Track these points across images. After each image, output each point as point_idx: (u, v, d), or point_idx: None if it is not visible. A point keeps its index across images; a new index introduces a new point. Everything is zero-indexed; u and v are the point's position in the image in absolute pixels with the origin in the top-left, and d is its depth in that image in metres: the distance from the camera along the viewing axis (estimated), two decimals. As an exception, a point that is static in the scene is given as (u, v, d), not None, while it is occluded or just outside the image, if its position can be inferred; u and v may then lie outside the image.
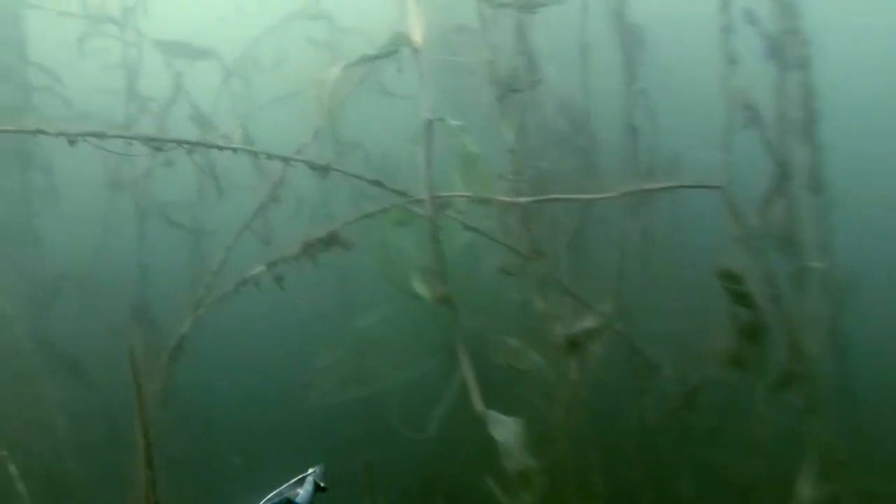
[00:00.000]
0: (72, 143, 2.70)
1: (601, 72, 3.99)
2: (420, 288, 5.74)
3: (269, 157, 3.08)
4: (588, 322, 2.74)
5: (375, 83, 5.48)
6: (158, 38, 5.34)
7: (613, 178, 4.18)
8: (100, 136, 2.79)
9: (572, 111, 4.02)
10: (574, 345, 2.76)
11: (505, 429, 2.71)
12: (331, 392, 5.88)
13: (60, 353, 5.16)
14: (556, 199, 2.62)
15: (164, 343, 5.50)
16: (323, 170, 3.05)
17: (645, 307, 4.06)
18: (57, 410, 4.97)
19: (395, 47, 2.68)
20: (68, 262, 5.35)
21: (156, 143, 2.80)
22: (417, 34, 2.71)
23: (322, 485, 2.14)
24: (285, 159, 3.10)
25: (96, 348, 5.28)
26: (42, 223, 5.32)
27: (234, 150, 3.02)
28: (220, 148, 2.99)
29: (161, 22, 5.42)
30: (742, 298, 2.72)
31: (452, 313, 2.57)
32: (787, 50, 3.55)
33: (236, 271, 3.45)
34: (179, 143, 2.93)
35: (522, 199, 2.74)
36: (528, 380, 4.41)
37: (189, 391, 5.64)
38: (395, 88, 5.59)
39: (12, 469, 4.63)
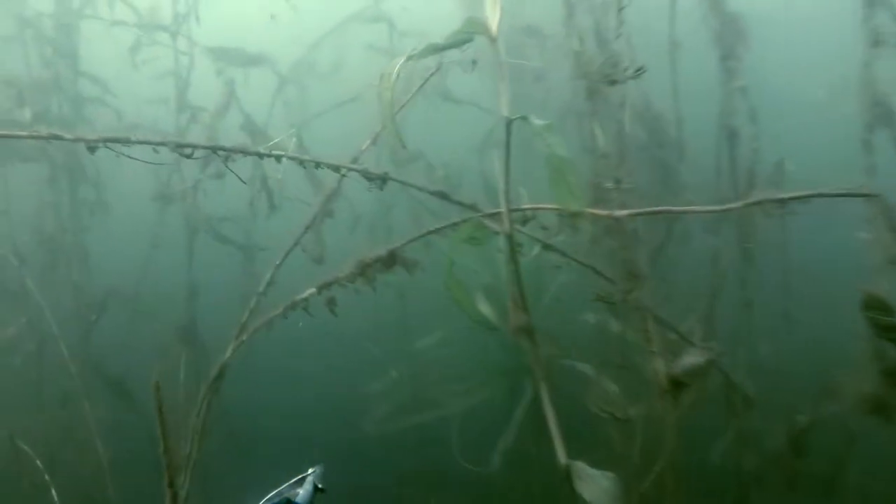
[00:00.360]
0: (92, 150, 2.38)
1: (694, 69, 3.52)
2: (491, 314, 5.31)
3: (318, 165, 2.72)
4: (693, 357, 2.27)
5: (438, 87, 5.13)
6: (210, 44, 5.09)
7: (706, 188, 3.69)
8: (122, 141, 2.46)
9: (658, 114, 3.55)
10: (678, 386, 2.29)
11: (595, 486, 2.25)
12: (385, 420, 5.49)
13: (105, 374, 4.90)
14: (668, 212, 2.16)
15: (212, 366, 5.26)
16: (380, 180, 2.66)
17: (745, 337, 3.54)
18: (100, 433, 4.70)
19: (468, 34, 2.27)
20: (116, 278, 5.12)
21: (185, 149, 2.46)
22: (494, 22, 2.30)
23: (320, 486, 2.16)
24: (336, 168, 2.73)
25: (142, 369, 5.01)
26: (90, 238, 5.10)
27: (275, 156, 2.66)
28: (261, 155, 2.65)
29: (213, 28, 5.19)
30: (891, 332, 2.21)
31: (534, 347, 2.12)
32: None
33: (285, 293, 3.07)
34: (213, 149, 2.59)
35: (622, 213, 2.29)
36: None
37: (234, 418, 5.36)
38: (459, 93, 5.24)
39: (53, 494, 4.40)
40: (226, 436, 5.36)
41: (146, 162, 2.75)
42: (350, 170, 2.78)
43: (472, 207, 2.83)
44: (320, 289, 2.72)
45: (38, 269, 4.99)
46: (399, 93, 5.45)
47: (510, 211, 2.21)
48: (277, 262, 3.17)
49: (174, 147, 2.47)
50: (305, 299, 2.81)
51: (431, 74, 3.08)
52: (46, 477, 4.57)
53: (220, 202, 5.04)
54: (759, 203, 2.06)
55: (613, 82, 2.40)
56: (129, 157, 2.86)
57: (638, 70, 2.31)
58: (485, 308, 5.14)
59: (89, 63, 5.15)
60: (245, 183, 3.85)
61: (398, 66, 2.22)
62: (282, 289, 3.28)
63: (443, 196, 2.70)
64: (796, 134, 4.14)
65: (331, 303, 2.75)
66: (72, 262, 4.97)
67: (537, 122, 2.10)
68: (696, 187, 3.76)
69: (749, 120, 3.41)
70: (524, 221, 2.44)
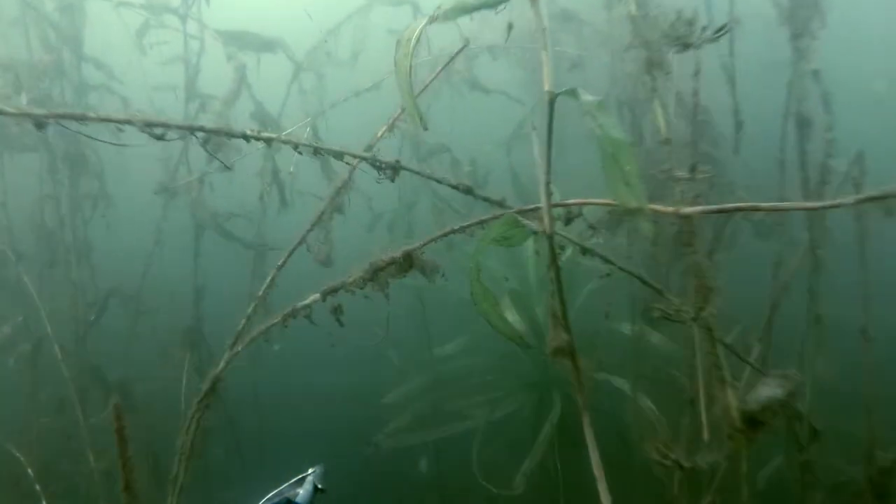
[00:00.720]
0: (39, 126, 2.04)
1: (757, 48, 3.07)
2: (523, 327, 4.90)
3: (317, 150, 2.36)
4: (770, 389, 1.84)
5: (465, 75, 4.74)
6: (222, 28, 4.74)
7: (765, 184, 3.25)
8: (78, 118, 2.12)
9: (711, 100, 3.11)
10: (753, 424, 1.86)
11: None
12: (401, 433, 5.10)
13: (104, 378, 4.57)
14: (753, 209, 1.73)
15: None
16: (391, 169, 2.29)
17: (812, 358, 3.09)
18: (96, 441, 4.38)
19: (505, -11, 1.88)
20: (117, 276, 4.79)
21: (155, 129, 2.10)
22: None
23: (320, 486, 2.09)
24: (338, 154, 2.35)
25: (143, 373, 4.68)
26: (92, 233, 4.78)
27: (261, 139, 2.29)
28: (246, 138, 2.28)
29: (225, 11, 4.83)
30: None
31: (576, 373, 1.71)
32: None
33: (289, 297, 2.69)
34: (190, 129, 2.23)
35: (693, 210, 1.87)
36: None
37: (236, 427, 5.01)
38: (487, 81, 4.84)
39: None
40: (231, 446, 5.03)
41: (134, 145, 2.40)
42: (355, 157, 2.39)
43: (500, 204, 2.43)
44: (325, 294, 2.33)
45: (37, 266, 4.67)
46: (422, 78, 5.09)
47: (551, 206, 1.80)
48: (279, 263, 2.79)
49: (142, 126, 2.11)
50: (308, 306, 2.43)
51: (459, 51, 2.68)
52: (37, 486, 4.27)
53: (228, 197, 4.70)
54: (880, 198, 1.62)
55: (687, 46, 1.99)
56: (117, 144, 2.54)
57: (720, 30, 1.90)
58: (515, 320, 4.74)
59: (94, 47, 4.84)
60: (229, 168, 3.50)
61: (419, 29, 1.82)
62: (290, 293, 2.89)
63: (467, 191, 2.31)
64: (861, 125, 3.67)
65: (337, 311, 2.36)
66: (71, 258, 4.65)
67: (587, 97, 1.68)
68: (752, 182, 3.31)
69: (822, 107, 2.96)
70: (568, 220, 2.04)
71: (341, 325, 2.45)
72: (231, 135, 2.25)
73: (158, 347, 4.65)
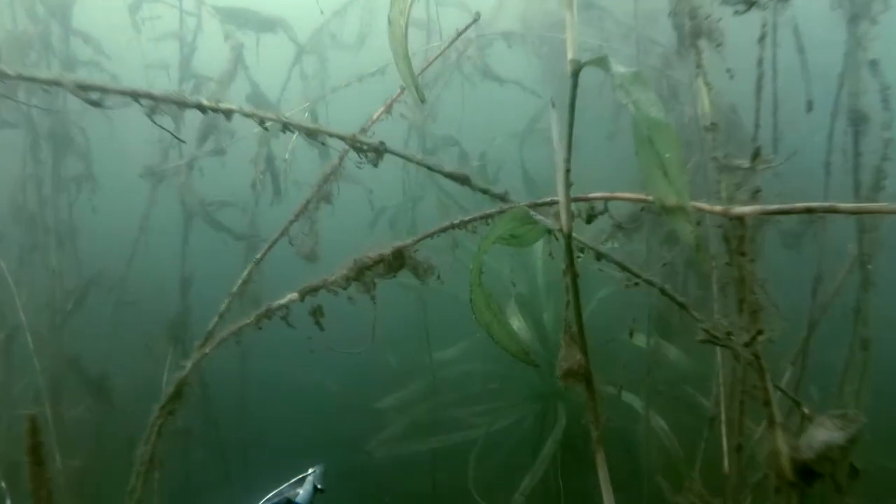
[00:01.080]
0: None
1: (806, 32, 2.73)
2: (529, 339, 4.56)
3: (286, 127, 2.05)
4: (828, 433, 1.51)
5: (477, 63, 4.42)
6: (220, 4, 4.43)
7: (806, 187, 2.89)
8: (86, 88, 1.85)
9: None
10: (808, 476, 1.53)
11: None
12: (395, 442, 4.78)
13: (82, 371, 4.27)
14: (831, 210, 1.40)
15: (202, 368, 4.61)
16: (374, 152, 1.99)
17: (855, 387, 2.74)
18: (67, 437, 4.09)
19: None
20: (100, 264, 4.49)
21: (89, 93, 1.81)
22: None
23: (320, 486, 2.09)
24: (311, 132, 2.07)
25: (124, 367, 4.39)
26: (75, 217, 4.48)
27: (219, 111, 1.98)
28: (202, 108, 1.99)
29: (224, -14, 4.53)
30: None
31: (592, 401, 1.39)
32: None
33: (270, 294, 2.39)
34: (134, 96, 1.93)
35: (749, 210, 1.54)
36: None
37: (220, 431, 4.72)
38: (501, 69, 4.52)
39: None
40: (215, 452, 4.73)
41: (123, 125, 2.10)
42: (331, 136, 2.10)
43: (503, 198, 2.11)
44: (303, 294, 2.02)
45: (15, 250, 4.38)
46: (434, 68, 4.77)
47: (570, 200, 1.48)
48: (258, 257, 2.49)
49: (73, 88, 1.81)
50: (285, 306, 2.12)
51: (469, 25, 2.36)
52: (2, 484, 3.98)
53: (219, 184, 4.39)
54: None
55: (750, 4, 1.66)
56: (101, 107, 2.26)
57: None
58: (521, 327, 4.42)
59: (83, 21, 4.53)
60: (180, 140, 3.18)
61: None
62: (266, 289, 2.59)
63: (463, 180, 2.01)
64: None
65: (316, 312, 2.05)
66: (52, 242, 4.35)
67: (619, 68, 1.36)
68: (790, 186, 2.96)
69: (880, 103, 2.61)
70: (590, 218, 1.72)
71: (321, 328, 2.14)
72: (184, 104, 1.95)
73: (141, 340, 4.35)
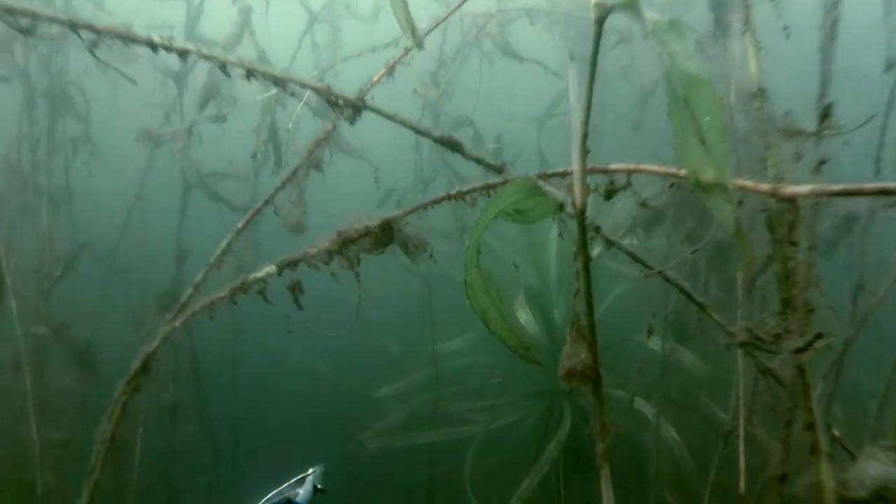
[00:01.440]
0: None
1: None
2: (533, 333, 4.31)
3: (250, 74, 1.84)
4: (881, 466, 1.25)
5: (496, 42, 4.16)
6: (231, -37, 4.20)
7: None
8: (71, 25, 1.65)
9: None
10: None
11: None
12: (391, 433, 4.56)
13: (69, 340, 4.09)
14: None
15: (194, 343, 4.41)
16: (352, 108, 1.79)
17: None
18: (46, 407, 3.91)
19: None
20: (93, 231, 4.29)
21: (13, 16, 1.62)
22: None
23: (320, 486, 2.10)
24: (280, 80, 1.87)
25: (113, 338, 4.19)
26: (70, 182, 4.29)
27: (178, 51, 1.77)
28: (153, 46, 1.77)
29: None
30: None
31: (598, 404, 1.13)
32: None
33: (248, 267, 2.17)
34: (73, 27, 1.72)
35: (803, 190, 1.28)
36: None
37: (210, 413, 4.53)
38: (522, 48, 4.25)
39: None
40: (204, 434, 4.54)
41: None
42: (303, 86, 1.88)
43: (499, 169, 1.88)
44: (280, 267, 1.79)
45: (7, 212, 4.20)
46: (453, 45, 4.51)
47: (587, 171, 1.23)
48: (239, 226, 2.27)
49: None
50: (262, 280, 1.89)
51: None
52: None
53: (219, 153, 4.18)
54: None
55: None
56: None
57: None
58: (529, 321, 4.18)
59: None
60: (134, 82, 2.99)
61: None
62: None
63: (454, 146, 1.80)
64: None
65: (295, 288, 1.82)
66: (43, 205, 4.17)
67: (653, 15, 1.11)
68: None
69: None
70: (609, 193, 1.46)
71: (300, 306, 1.92)
72: (131, 39, 1.74)
73: (131, 311, 4.16)
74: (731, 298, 2.90)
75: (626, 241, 2.70)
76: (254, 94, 4.05)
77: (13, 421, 3.98)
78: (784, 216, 1.40)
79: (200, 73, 4.19)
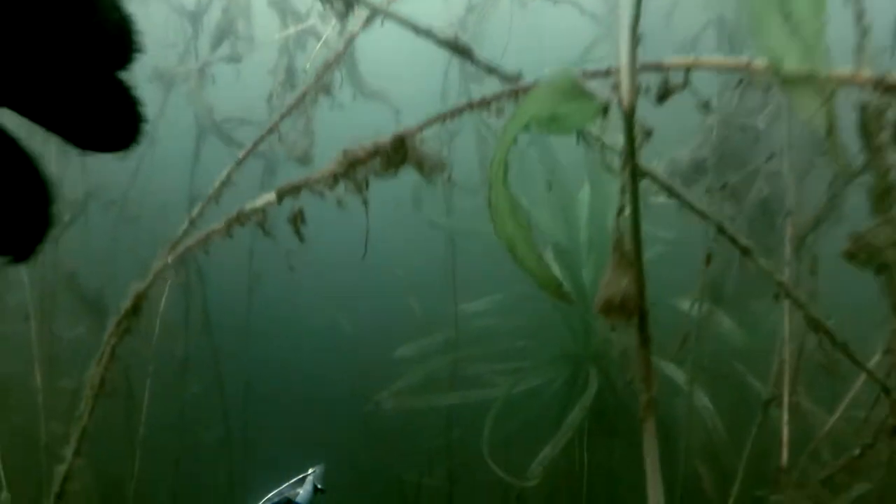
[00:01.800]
0: None
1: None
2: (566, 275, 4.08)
3: None
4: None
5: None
6: None
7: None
8: None
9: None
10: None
11: None
12: (410, 394, 4.39)
13: (77, 287, 3.97)
14: None
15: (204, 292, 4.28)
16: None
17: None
18: (56, 358, 3.81)
19: None
20: (101, 175, 4.14)
21: None
22: None
23: (320, 486, 2.08)
24: None
25: (121, 287, 4.05)
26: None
27: None
28: None
29: None
30: None
31: (642, 350, 0.89)
32: None
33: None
34: None
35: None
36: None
37: (220, 366, 4.41)
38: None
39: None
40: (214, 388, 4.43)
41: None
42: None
43: (514, 79, 1.68)
44: (281, 194, 1.58)
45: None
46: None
47: (636, 66, 0.99)
48: (240, 157, 2.10)
49: None
50: (261, 210, 1.69)
51: None
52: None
53: (234, 96, 3.98)
54: None
55: None
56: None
57: None
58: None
59: None
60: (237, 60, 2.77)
61: None
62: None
63: (464, 52, 1.57)
64: None
65: (296, 219, 1.62)
66: (52, 148, 4.00)
67: None
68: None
69: None
70: (662, 95, 1.22)
71: (301, 238, 1.71)
72: None
73: (140, 260, 4.01)
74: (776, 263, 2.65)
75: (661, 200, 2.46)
76: (271, 31, 3.84)
77: (23, 370, 3.90)
78: (885, 115, 1.13)
79: (215, 13, 3.98)
